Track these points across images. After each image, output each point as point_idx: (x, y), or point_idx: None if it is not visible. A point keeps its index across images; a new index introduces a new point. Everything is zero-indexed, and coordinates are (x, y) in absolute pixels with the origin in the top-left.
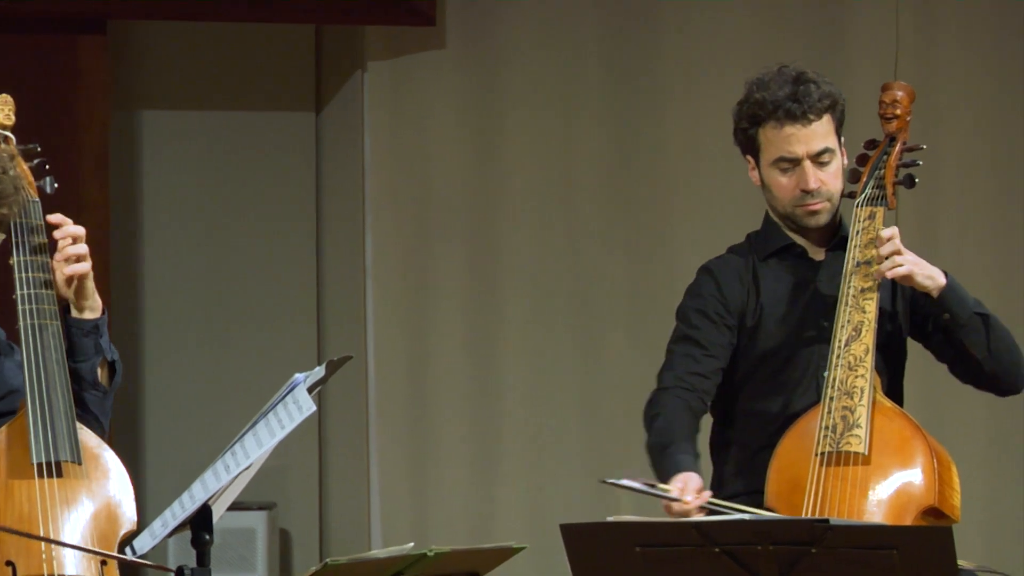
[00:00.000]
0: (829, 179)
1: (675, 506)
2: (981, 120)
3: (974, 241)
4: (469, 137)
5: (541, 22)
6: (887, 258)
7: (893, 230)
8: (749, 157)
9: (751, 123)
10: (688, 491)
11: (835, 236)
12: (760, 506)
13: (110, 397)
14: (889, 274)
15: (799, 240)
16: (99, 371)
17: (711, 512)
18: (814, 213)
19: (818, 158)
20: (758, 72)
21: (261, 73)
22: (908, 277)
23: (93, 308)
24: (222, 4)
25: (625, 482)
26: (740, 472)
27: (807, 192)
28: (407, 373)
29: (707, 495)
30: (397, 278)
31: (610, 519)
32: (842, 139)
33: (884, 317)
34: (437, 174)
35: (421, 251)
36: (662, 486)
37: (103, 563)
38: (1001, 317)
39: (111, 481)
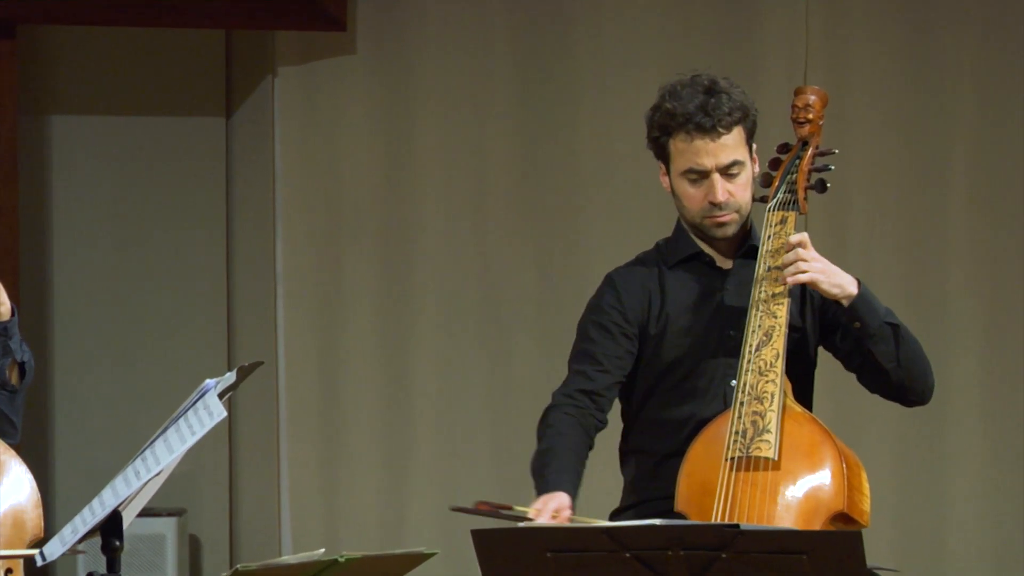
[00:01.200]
0: (738, 191)
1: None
2: (891, 123)
3: (884, 246)
4: (380, 142)
5: (452, 27)
6: (792, 264)
7: (802, 236)
8: (661, 163)
9: (662, 132)
10: (544, 512)
11: (744, 245)
12: (670, 511)
13: (20, 395)
14: (790, 280)
15: (707, 249)
16: (9, 371)
17: None
18: (722, 225)
19: (727, 170)
20: (672, 78)
21: (171, 78)
22: (812, 284)
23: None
24: (132, 9)
25: (477, 509)
26: (648, 478)
27: (715, 205)
28: (318, 379)
29: (566, 515)
30: (308, 283)
31: (522, 524)
32: (754, 147)
33: (794, 324)
34: (348, 179)
35: (332, 256)
36: (519, 508)
37: (8, 571)
38: (912, 322)
39: (17, 488)
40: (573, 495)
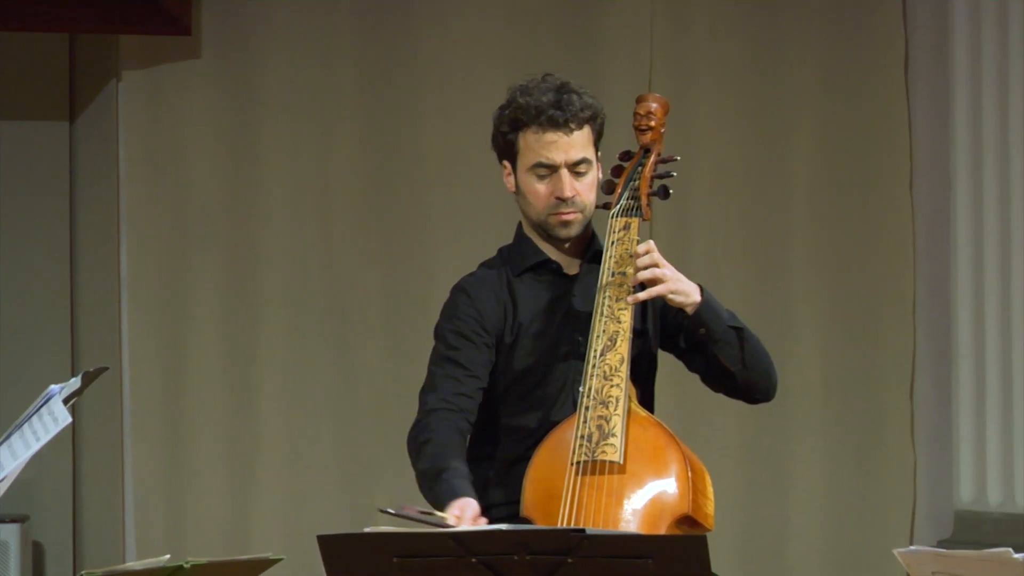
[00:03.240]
0: (584, 190)
1: None
2: (734, 129)
3: (727, 250)
4: (225, 147)
5: (296, 31)
6: (643, 271)
7: (649, 244)
8: (506, 162)
9: (512, 127)
10: (465, 519)
11: (589, 250)
12: (515, 516)
13: None
14: (643, 296)
15: (553, 255)
16: None
17: None
18: (566, 223)
19: (575, 167)
20: (520, 79)
21: (13, 82)
22: (662, 296)
23: None
24: None
25: (403, 512)
26: (495, 483)
27: (562, 200)
28: (163, 384)
29: (484, 521)
30: (152, 289)
31: (367, 530)
32: (599, 153)
33: (635, 330)
34: (193, 184)
35: (177, 262)
36: (439, 514)
37: None
38: (755, 326)
39: None
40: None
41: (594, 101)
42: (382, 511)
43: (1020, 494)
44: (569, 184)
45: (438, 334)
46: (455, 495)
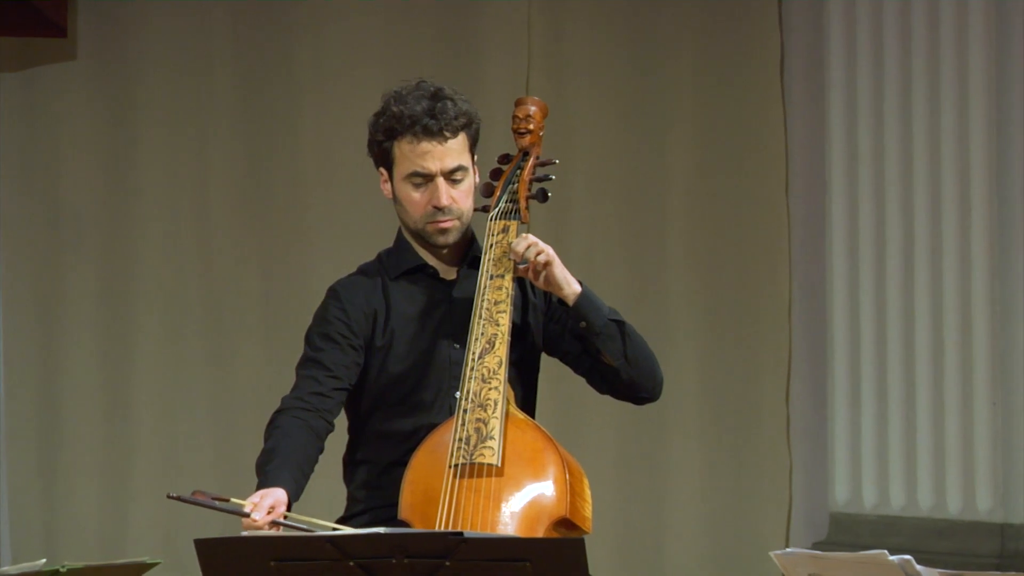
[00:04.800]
0: (461, 197)
1: (245, 521)
2: (611, 132)
3: (605, 253)
4: (101, 149)
5: (174, 34)
6: (527, 249)
7: (529, 238)
8: (382, 169)
9: (387, 136)
10: (260, 507)
11: (468, 255)
12: (392, 519)
13: None
14: (541, 258)
15: (430, 260)
16: None
17: (286, 528)
18: (444, 231)
19: (451, 175)
20: (396, 85)
21: None
22: (548, 264)
23: None
24: None
25: (194, 498)
26: (372, 486)
27: (439, 209)
28: (38, 387)
29: (280, 511)
30: (27, 292)
31: (244, 533)
32: (475, 158)
33: (517, 332)
34: (69, 187)
35: (52, 265)
36: (236, 500)
37: None
38: None
39: None
40: (293, 492)
41: (469, 107)
42: (170, 497)
43: (895, 496)
44: (445, 192)
45: (307, 338)
46: (263, 487)
